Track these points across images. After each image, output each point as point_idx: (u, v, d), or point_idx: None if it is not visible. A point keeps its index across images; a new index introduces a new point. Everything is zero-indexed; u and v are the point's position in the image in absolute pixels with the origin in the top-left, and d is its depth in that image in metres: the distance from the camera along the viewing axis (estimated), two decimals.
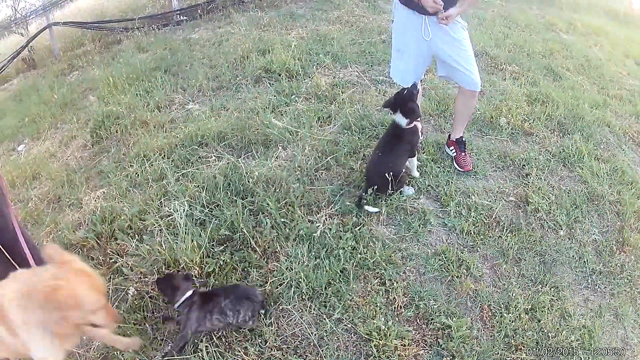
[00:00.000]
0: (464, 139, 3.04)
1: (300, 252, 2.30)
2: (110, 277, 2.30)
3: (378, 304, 2.13)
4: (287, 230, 2.43)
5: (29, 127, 4.44)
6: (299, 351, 1.97)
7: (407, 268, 2.34)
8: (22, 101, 5.51)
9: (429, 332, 2.08)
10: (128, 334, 2.03)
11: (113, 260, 2.40)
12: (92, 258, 2.45)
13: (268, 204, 2.51)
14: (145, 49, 5.40)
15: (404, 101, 2.58)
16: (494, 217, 2.65)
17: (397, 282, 2.24)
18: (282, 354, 1.95)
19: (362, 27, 5.26)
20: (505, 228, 2.61)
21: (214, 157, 3.02)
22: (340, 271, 2.24)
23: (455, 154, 3.03)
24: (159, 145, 3.23)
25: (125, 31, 6.36)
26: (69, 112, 4.45)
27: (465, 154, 3.01)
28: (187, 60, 4.64)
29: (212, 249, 2.33)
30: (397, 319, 2.10)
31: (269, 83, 3.94)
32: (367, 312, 2.10)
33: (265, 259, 2.31)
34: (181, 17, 6.15)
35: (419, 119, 2.67)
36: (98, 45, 6.69)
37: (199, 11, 6.05)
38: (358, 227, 2.47)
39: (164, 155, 3.13)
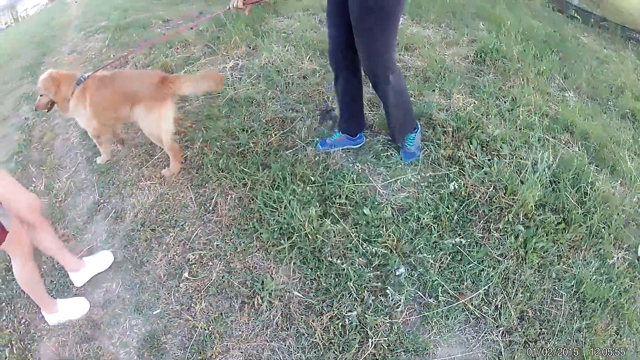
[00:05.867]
0: None
1: None
2: None
3: None
4: None
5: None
6: None
7: None
8: None
9: None
10: None
11: None
12: None
13: None
14: (537, 18, 5.77)
15: None
16: None
17: None
18: None
19: None
20: None
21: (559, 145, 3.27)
22: None
23: None
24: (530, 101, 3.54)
25: None
26: (457, 18, 5.10)
27: None
28: (571, 55, 4.87)
29: None
30: None
31: (633, 127, 4.07)
32: None
33: None
34: (575, 14, 6.42)
35: None
36: None
37: (592, 20, 6.24)
38: None
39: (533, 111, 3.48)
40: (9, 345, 2.50)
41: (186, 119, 3.47)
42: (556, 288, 2.42)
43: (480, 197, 2.67)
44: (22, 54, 7.34)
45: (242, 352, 2.16)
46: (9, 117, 4.89)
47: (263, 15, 4.85)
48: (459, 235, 2.52)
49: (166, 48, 4.43)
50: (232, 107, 3.48)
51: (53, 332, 2.47)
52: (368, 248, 2.43)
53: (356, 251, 2.43)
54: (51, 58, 6.35)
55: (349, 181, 2.73)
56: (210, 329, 2.25)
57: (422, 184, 2.75)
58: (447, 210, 2.58)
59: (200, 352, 2.18)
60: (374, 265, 2.38)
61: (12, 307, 2.67)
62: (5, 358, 2.46)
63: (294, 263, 2.42)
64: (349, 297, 2.28)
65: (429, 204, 2.62)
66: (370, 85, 2.71)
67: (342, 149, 2.99)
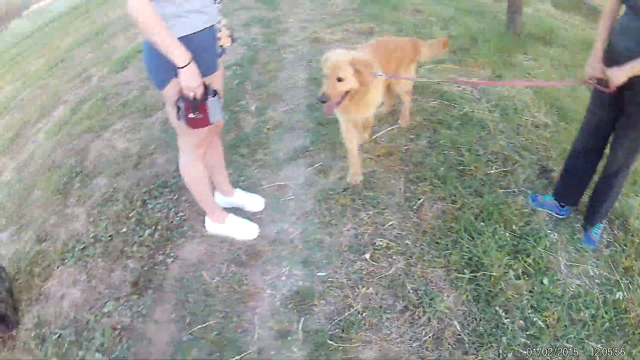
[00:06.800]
0: None
1: None
2: None
3: None
4: None
5: None
6: None
7: None
8: None
9: None
10: None
11: None
12: None
13: None
14: None
15: None
16: None
17: None
18: None
19: None
20: None
21: None
22: None
23: None
24: None
25: None
26: None
27: None
28: None
29: None
30: None
31: None
32: None
33: None
34: None
35: None
36: None
37: None
38: None
39: None
40: (153, 227, 2.58)
41: None
42: None
43: (633, 317, 2.84)
44: None
45: (380, 350, 2.33)
46: (238, 30, 5.10)
47: (512, 47, 4.65)
48: (601, 342, 2.69)
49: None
50: (465, 123, 3.51)
51: (206, 239, 2.57)
52: (531, 315, 2.62)
53: (521, 313, 2.63)
54: None
55: (542, 247, 2.86)
56: (363, 315, 2.41)
57: (597, 280, 2.89)
58: (604, 315, 2.76)
59: (343, 330, 2.34)
60: (528, 332, 2.58)
61: (176, 197, 2.75)
62: (141, 237, 2.53)
63: (466, 296, 2.60)
64: (496, 350, 2.47)
65: (593, 302, 2.79)
66: (608, 172, 2.72)
67: (547, 212, 3.08)
